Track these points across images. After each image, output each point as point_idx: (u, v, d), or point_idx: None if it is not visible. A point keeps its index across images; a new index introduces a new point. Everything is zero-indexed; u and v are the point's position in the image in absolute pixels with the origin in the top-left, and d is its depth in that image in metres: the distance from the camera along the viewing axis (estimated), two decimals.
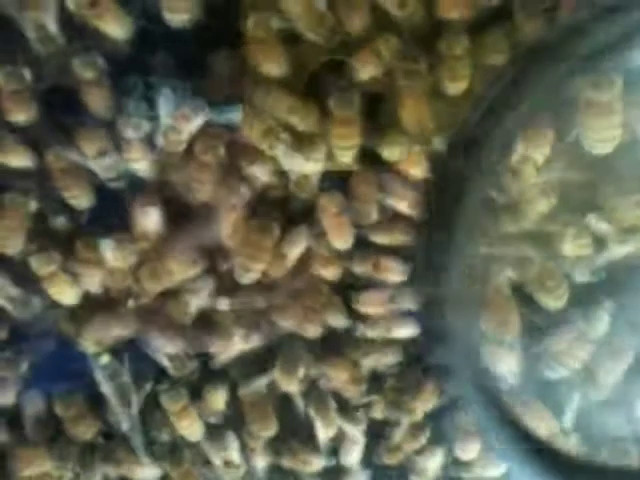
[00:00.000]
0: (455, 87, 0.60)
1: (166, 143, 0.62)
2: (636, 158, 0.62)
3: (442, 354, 0.58)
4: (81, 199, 0.64)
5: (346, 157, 0.63)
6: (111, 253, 0.64)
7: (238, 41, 0.60)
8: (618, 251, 0.65)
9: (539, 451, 0.56)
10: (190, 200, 0.64)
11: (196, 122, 0.61)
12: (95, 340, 0.66)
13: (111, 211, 0.65)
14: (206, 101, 0.61)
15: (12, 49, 0.60)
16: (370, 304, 0.67)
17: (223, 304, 0.67)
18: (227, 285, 0.67)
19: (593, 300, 0.66)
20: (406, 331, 0.68)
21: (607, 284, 0.66)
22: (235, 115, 0.61)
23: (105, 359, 0.66)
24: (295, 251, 0.65)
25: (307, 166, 0.62)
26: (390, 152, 0.63)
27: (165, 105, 0.60)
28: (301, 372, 0.68)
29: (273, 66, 0.60)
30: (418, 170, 0.63)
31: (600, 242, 0.65)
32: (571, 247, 0.64)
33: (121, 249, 0.64)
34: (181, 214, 0.65)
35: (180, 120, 0.60)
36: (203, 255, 0.66)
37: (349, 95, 0.60)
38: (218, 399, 0.69)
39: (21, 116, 0.61)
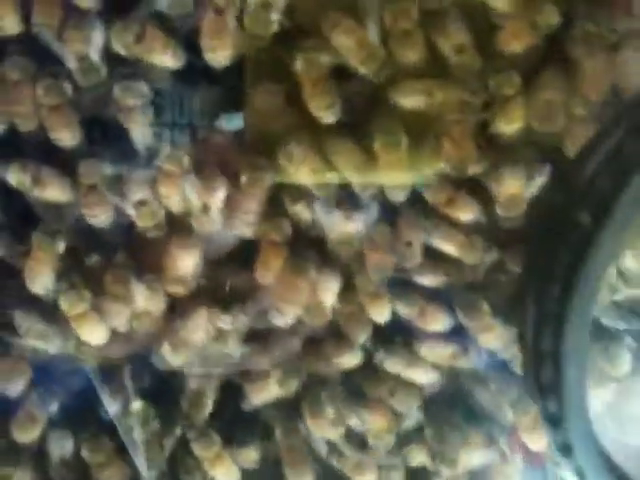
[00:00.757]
0: (509, 128, 0.59)
1: (198, 225, 0.60)
2: None
3: (552, 405, 0.56)
4: (100, 218, 0.60)
5: (399, 197, 0.61)
6: (142, 296, 0.61)
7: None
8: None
9: None
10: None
11: (219, 196, 0.59)
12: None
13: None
14: (215, 110, 0.60)
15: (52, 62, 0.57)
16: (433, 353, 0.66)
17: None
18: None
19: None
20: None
21: None
22: (240, 122, 0.60)
23: (137, 405, 0.63)
24: (330, 296, 0.63)
25: (348, 226, 0.61)
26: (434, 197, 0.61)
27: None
28: (329, 414, 0.66)
29: (324, 105, 0.58)
30: (466, 214, 0.61)
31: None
32: None
33: (152, 292, 0.61)
34: None
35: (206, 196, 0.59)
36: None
37: (396, 137, 0.58)
38: (251, 453, 0.67)
39: (64, 134, 0.58)
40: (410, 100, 0.59)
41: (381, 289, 0.63)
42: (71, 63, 0.57)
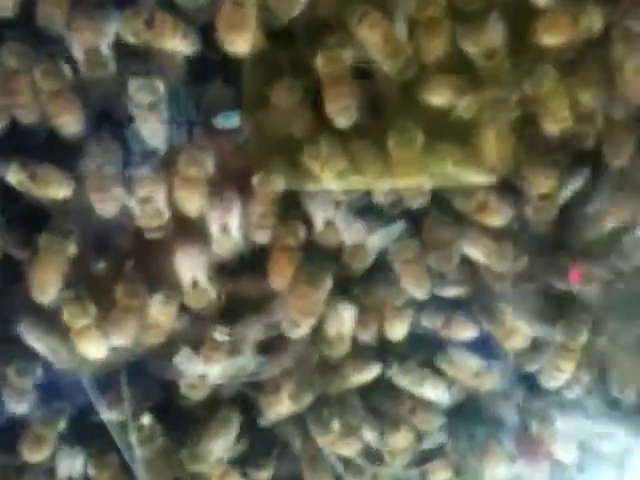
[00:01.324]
0: (555, 127, 0.56)
1: (219, 247, 0.57)
2: None
3: None
4: (108, 208, 0.57)
5: (418, 201, 0.57)
6: (157, 308, 0.58)
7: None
8: None
9: None
10: None
11: (235, 214, 0.56)
12: None
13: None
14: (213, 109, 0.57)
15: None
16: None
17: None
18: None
19: None
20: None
21: None
22: (237, 120, 0.57)
23: (146, 419, 0.60)
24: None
25: (369, 238, 0.58)
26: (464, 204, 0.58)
27: None
28: (335, 428, 0.63)
29: (341, 107, 0.55)
30: (499, 219, 0.58)
31: None
32: None
33: (168, 305, 0.58)
34: None
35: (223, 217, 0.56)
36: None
37: (410, 135, 0.55)
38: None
39: (67, 118, 0.54)
40: (439, 97, 0.56)
41: (404, 307, 0.61)
42: (78, 53, 0.53)
